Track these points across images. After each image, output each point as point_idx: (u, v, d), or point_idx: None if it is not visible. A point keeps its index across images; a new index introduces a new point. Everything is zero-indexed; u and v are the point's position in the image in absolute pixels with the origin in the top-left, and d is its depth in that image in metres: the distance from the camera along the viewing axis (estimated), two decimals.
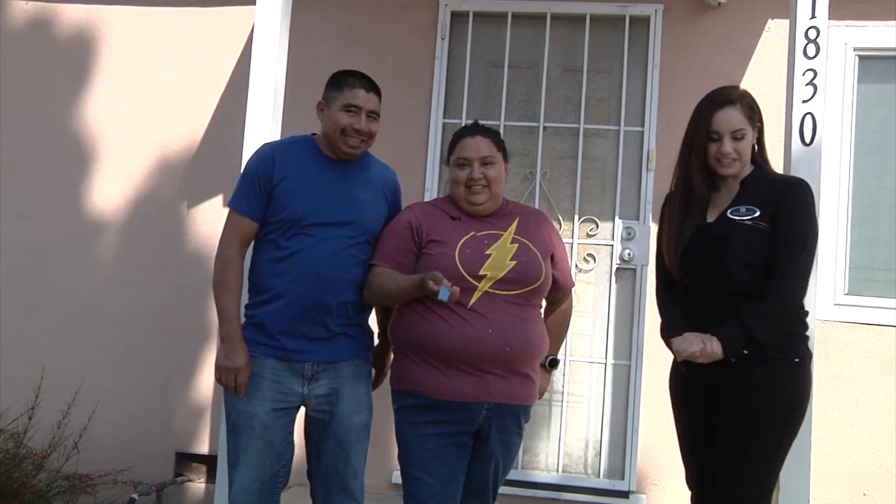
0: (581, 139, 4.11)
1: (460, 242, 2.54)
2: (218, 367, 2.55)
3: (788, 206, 2.46)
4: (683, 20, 4.07)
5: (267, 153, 2.62)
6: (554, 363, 2.75)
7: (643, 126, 4.09)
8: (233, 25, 4.32)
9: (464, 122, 4.17)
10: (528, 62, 4.21)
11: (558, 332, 2.78)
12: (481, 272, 2.49)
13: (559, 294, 2.75)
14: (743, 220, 2.48)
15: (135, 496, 3.78)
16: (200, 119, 4.31)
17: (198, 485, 4.17)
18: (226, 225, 2.63)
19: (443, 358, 2.48)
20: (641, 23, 4.13)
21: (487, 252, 2.53)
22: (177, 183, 4.30)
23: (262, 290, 2.57)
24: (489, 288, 2.49)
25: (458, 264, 2.50)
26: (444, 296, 2.32)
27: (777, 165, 3.78)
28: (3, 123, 4.41)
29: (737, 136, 2.54)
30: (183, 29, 4.37)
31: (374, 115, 2.63)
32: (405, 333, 2.55)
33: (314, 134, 2.75)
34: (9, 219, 4.35)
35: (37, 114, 4.40)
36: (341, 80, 2.62)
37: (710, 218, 2.57)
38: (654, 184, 4.02)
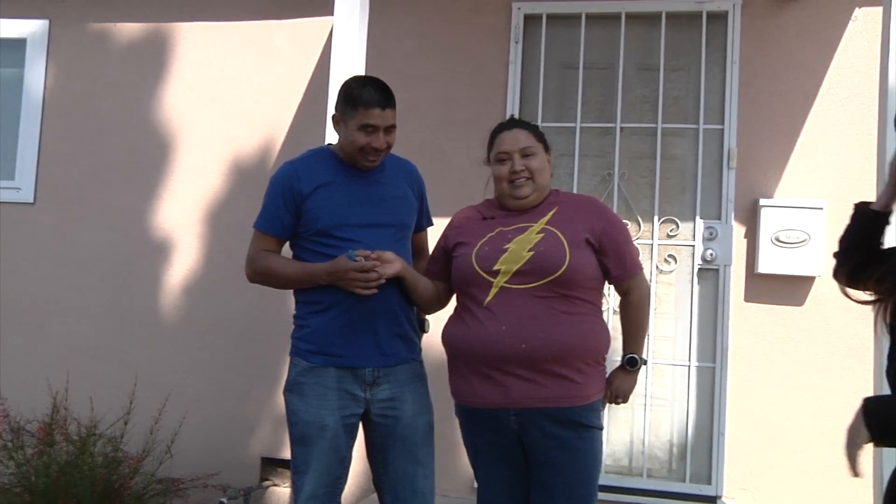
0: (659, 139, 4.05)
1: (482, 241, 2.48)
2: (343, 279, 2.46)
3: None
4: (763, 14, 3.98)
5: (289, 170, 2.60)
6: (632, 362, 2.52)
7: (723, 124, 4.00)
8: (308, 36, 4.39)
9: (539, 125, 4.11)
10: (603, 63, 4.17)
11: (629, 327, 2.55)
12: (496, 267, 2.40)
13: (619, 284, 2.52)
14: None
15: (224, 500, 3.86)
16: (278, 129, 4.40)
17: (282, 489, 4.25)
18: (250, 245, 2.66)
19: (465, 361, 2.44)
20: (719, 18, 4.05)
21: (506, 246, 2.43)
22: (256, 192, 4.33)
23: (314, 300, 2.56)
24: (505, 283, 2.39)
25: (474, 262, 2.44)
26: (350, 256, 2.42)
27: (868, 163, 3.67)
28: (92, 139, 4.58)
29: None
30: (260, 41, 4.46)
31: (391, 129, 2.56)
32: (442, 336, 2.54)
33: (330, 144, 2.74)
34: (98, 230, 4.51)
35: (123, 129, 4.56)
36: (355, 97, 2.50)
37: None
38: (736, 182, 3.94)
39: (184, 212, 4.45)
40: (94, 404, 4.15)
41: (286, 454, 4.21)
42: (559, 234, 2.43)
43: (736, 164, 3.95)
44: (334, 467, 2.53)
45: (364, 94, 2.49)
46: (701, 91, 4.03)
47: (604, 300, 2.60)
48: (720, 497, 3.84)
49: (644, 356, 2.57)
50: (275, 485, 4.25)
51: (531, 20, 4.21)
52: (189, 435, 4.22)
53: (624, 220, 2.75)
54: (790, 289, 3.87)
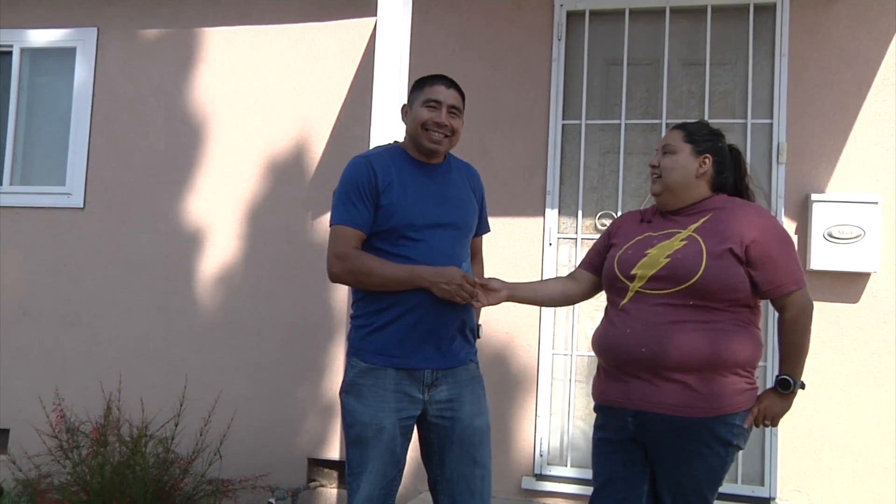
0: None
1: (628, 244, 2.51)
2: (444, 290, 2.46)
3: None
4: (813, 4, 3.89)
5: (364, 164, 2.54)
6: (784, 384, 2.39)
7: (772, 118, 3.93)
8: (350, 38, 4.41)
9: (584, 122, 4.12)
10: (648, 58, 4.12)
11: (783, 348, 2.42)
12: (633, 271, 2.44)
13: (772, 300, 2.40)
14: None
15: (272, 500, 3.89)
16: (322, 131, 4.42)
17: (329, 490, 4.27)
18: (331, 241, 2.52)
19: (602, 360, 2.53)
20: (767, 10, 3.97)
21: (647, 251, 2.44)
22: (301, 194, 4.42)
23: (378, 299, 2.52)
24: (640, 287, 2.42)
25: (615, 264, 2.50)
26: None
27: None
28: (140, 143, 4.65)
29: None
30: (302, 44, 4.49)
31: (455, 110, 2.59)
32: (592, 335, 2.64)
33: (396, 141, 2.73)
34: (147, 234, 4.58)
35: (169, 132, 4.62)
36: (422, 81, 2.62)
37: None
38: (786, 177, 3.86)
39: (230, 213, 4.50)
40: (144, 405, 4.22)
41: (333, 455, 4.25)
42: (701, 242, 2.40)
43: (786, 159, 3.87)
44: (390, 469, 2.52)
45: (430, 77, 2.61)
46: (749, 85, 3.96)
47: (759, 314, 2.46)
48: (774, 498, 3.76)
49: (802, 379, 2.42)
50: (322, 486, 4.27)
51: (574, 16, 4.18)
52: (237, 436, 4.27)
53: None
54: (844, 285, 3.78)
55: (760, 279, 2.37)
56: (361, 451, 2.50)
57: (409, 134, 2.61)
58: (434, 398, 2.54)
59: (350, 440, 2.53)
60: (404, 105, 2.66)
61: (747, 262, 2.37)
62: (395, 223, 2.50)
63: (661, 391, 2.35)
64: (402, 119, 2.65)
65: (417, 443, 2.61)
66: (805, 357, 2.43)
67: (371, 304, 2.53)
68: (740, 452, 3.73)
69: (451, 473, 2.57)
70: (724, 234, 2.39)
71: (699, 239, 2.40)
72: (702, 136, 2.54)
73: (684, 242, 2.41)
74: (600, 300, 4.02)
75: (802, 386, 2.43)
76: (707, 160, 2.50)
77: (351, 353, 2.56)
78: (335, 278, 2.54)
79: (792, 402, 2.44)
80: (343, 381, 2.57)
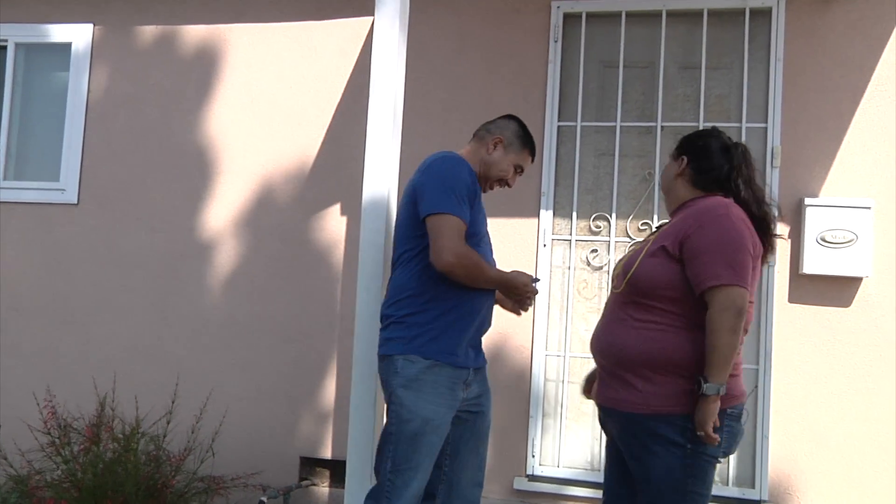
0: None
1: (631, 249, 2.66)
2: (519, 295, 2.72)
3: None
4: (809, 9, 3.91)
5: (469, 171, 2.66)
6: (699, 385, 2.26)
7: (766, 122, 3.94)
8: (347, 36, 4.41)
9: (579, 124, 4.13)
10: (644, 61, 4.13)
11: (707, 348, 2.29)
12: (615, 273, 2.61)
13: (700, 296, 2.32)
14: None
15: (264, 499, 3.89)
16: (317, 129, 4.42)
17: (322, 489, 4.26)
18: (447, 230, 2.53)
19: None
20: (763, 15, 3.99)
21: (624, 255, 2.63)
22: (296, 193, 4.42)
23: (445, 299, 2.60)
24: (612, 288, 2.58)
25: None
26: (536, 280, 2.76)
27: None
28: (135, 140, 4.64)
29: None
30: (299, 42, 4.49)
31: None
32: None
33: (452, 152, 2.77)
34: (142, 232, 4.57)
35: (165, 130, 4.61)
36: (526, 140, 2.84)
37: None
38: (780, 181, 3.87)
39: (225, 212, 4.49)
40: (138, 403, 4.21)
41: (325, 454, 4.25)
42: (648, 243, 2.48)
43: (780, 163, 3.88)
44: (432, 464, 2.63)
45: (531, 142, 2.87)
46: (744, 89, 3.98)
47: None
48: (765, 501, 3.78)
49: (718, 382, 2.25)
50: (314, 484, 4.27)
51: (571, 19, 4.19)
52: (230, 434, 4.26)
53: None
54: (836, 290, 3.80)
55: (689, 274, 2.34)
56: (415, 447, 2.55)
57: (485, 164, 2.79)
58: (468, 395, 2.70)
59: (404, 436, 2.55)
60: (499, 137, 2.80)
61: (680, 258, 2.36)
62: (473, 229, 2.65)
63: (608, 386, 2.49)
64: (489, 144, 2.79)
65: None
66: (722, 360, 2.25)
67: (440, 303, 2.61)
68: (732, 455, 3.76)
69: (459, 465, 2.73)
70: (668, 232, 2.43)
71: (651, 239, 2.51)
72: (684, 139, 2.60)
73: (647, 243, 2.51)
74: (593, 301, 4.06)
75: (716, 391, 2.24)
76: (683, 160, 2.53)
77: (408, 350, 2.58)
78: (449, 267, 2.53)
79: (711, 407, 2.25)
80: (400, 377, 2.57)
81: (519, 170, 2.86)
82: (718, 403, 2.27)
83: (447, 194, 2.55)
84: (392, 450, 2.55)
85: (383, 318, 2.70)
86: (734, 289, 2.28)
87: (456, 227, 2.53)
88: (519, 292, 2.69)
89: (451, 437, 2.70)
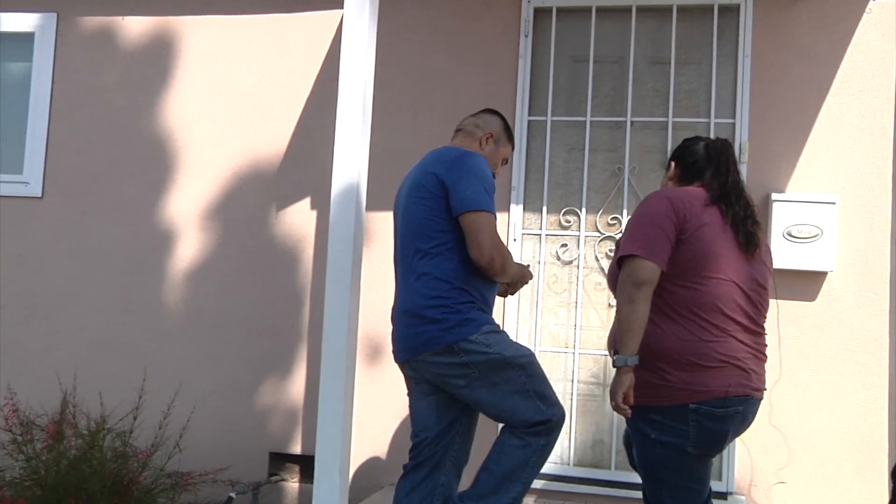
0: (670, 133, 4.02)
1: None
2: (521, 283, 2.92)
3: None
4: (776, 6, 3.95)
5: (488, 168, 2.78)
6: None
7: (734, 118, 3.98)
8: (316, 30, 4.37)
9: (549, 119, 4.14)
10: (614, 56, 4.15)
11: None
12: None
13: None
14: None
15: (233, 494, 3.86)
16: (287, 123, 4.38)
17: (291, 484, 4.24)
18: (488, 226, 2.62)
19: None
20: (731, 11, 4.02)
21: None
22: (265, 186, 4.38)
23: (476, 287, 2.69)
24: None
25: None
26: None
27: (882, 157, 3.64)
28: (100, 132, 4.57)
29: None
30: (268, 35, 4.44)
31: None
32: None
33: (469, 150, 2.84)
34: (107, 225, 4.50)
35: (131, 122, 4.55)
36: (510, 133, 3.00)
37: None
38: (748, 177, 3.91)
39: (193, 205, 4.44)
40: (103, 398, 4.16)
41: (295, 449, 4.22)
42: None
43: (748, 159, 3.92)
44: None
45: (513, 135, 3.05)
46: (712, 85, 4.01)
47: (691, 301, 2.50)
48: (731, 493, 3.82)
49: (626, 353, 2.38)
50: (283, 480, 4.24)
51: (541, 13, 4.19)
52: (198, 429, 4.22)
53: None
54: (802, 284, 3.84)
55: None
56: (537, 370, 2.66)
57: (491, 160, 2.92)
58: None
59: (533, 371, 2.64)
60: (492, 132, 2.92)
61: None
62: None
63: None
64: (483, 140, 2.91)
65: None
66: (623, 330, 2.36)
67: (474, 292, 2.69)
68: None
69: (462, 445, 2.88)
70: None
71: None
72: (677, 147, 2.76)
73: None
74: (563, 296, 4.07)
75: (626, 363, 2.35)
76: (672, 164, 2.71)
77: (478, 327, 2.62)
78: (490, 262, 2.62)
79: (620, 378, 2.38)
80: (487, 347, 2.60)
81: (504, 162, 3.00)
82: (630, 375, 2.37)
83: (484, 192, 2.65)
84: (532, 384, 2.62)
85: (432, 308, 2.61)
86: (634, 260, 2.37)
87: (494, 224, 2.66)
88: (524, 282, 2.92)
89: (464, 418, 2.82)
